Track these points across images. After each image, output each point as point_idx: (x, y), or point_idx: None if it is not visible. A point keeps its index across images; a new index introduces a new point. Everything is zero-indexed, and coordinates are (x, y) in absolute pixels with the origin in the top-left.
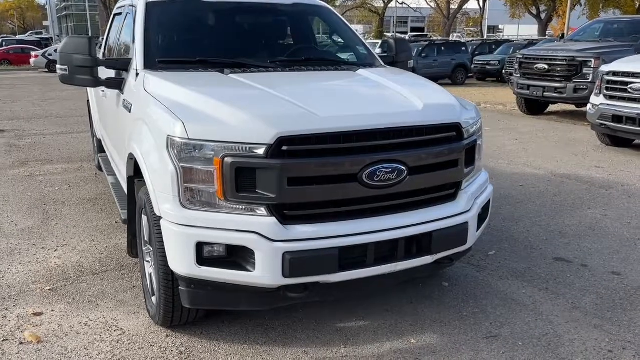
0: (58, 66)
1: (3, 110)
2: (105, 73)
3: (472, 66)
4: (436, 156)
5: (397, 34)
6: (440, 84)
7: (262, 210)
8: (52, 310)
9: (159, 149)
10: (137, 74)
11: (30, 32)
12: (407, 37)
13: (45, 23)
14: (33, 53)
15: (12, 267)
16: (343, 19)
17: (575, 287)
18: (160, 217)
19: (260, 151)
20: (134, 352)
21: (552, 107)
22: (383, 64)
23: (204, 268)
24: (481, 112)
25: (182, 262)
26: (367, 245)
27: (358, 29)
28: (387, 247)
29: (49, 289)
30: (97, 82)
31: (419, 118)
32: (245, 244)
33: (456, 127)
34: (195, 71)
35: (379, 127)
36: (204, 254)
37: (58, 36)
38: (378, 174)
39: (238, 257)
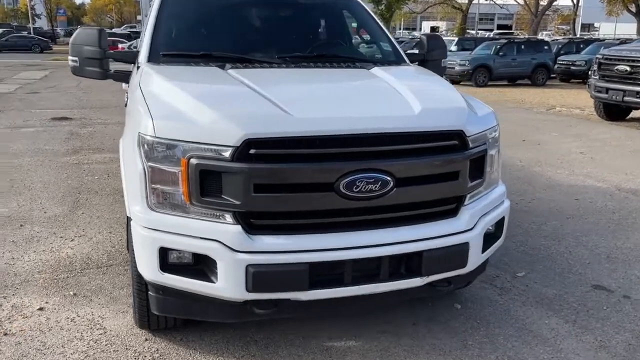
0: (69, 57)
1: (80, 99)
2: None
3: (555, 66)
4: (431, 167)
5: (479, 32)
6: (518, 85)
7: (228, 218)
8: (46, 303)
9: (133, 146)
10: (138, 67)
11: (126, 25)
12: (490, 35)
13: (138, 17)
14: (120, 45)
15: (26, 255)
16: (372, 13)
17: (609, 322)
18: (130, 219)
19: (227, 153)
20: (107, 355)
21: (635, 113)
22: (408, 62)
23: (166, 275)
24: (554, 116)
25: (147, 267)
26: (344, 262)
27: (440, 25)
28: (369, 266)
29: (51, 280)
30: (105, 75)
31: (413, 123)
32: (208, 253)
33: (458, 135)
34: (196, 65)
35: (362, 132)
36: (169, 260)
37: None
38: (357, 184)
39: (204, 266)
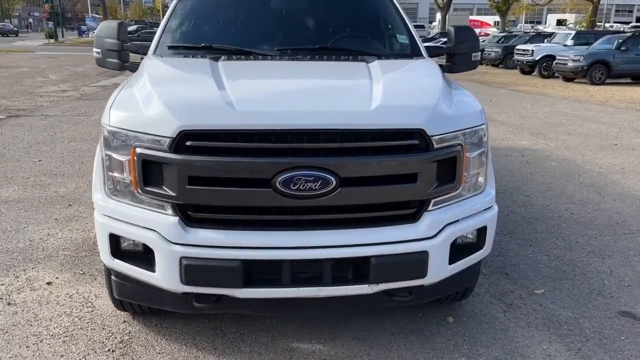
0: (94, 49)
1: None
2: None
3: None
4: (382, 167)
5: (613, 25)
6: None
7: (168, 209)
8: (56, 278)
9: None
10: (143, 59)
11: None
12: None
13: None
14: None
15: (60, 233)
16: (395, 3)
17: (620, 356)
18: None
19: (165, 144)
20: (83, 332)
21: None
22: (426, 56)
23: (116, 261)
24: None
25: (102, 252)
26: (281, 262)
27: (568, 18)
28: (309, 268)
29: (70, 258)
30: (122, 66)
31: (364, 120)
32: (147, 243)
33: (419, 134)
34: (192, 57)
35: (302, 128)
36: (121, 247)
37: None
38: (296, 181)
39: (151, 255)
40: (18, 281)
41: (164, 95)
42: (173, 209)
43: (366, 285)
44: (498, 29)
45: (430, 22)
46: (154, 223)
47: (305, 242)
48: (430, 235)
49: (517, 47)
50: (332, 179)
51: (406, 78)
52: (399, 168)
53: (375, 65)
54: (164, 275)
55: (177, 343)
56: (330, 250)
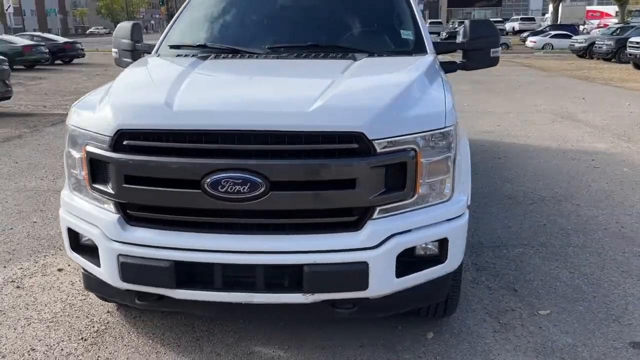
0: (112, 49)
1: None
2: None
3: None
4: (316, 172)
5: None
6: None
7: (111, 207)
8: (68, 265)
9: None
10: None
11: None
12: None
13: None
14: None
15: None
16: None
17: None
18: None
19: (106, 143)
20: (68, 319)
21: None
22: (430, 52)
23: (74, 254)
24: None
25: (65, 245)
26: (212, 266)
27: None
28: (242, 273)
29: None
30: None
31: (299, 121)
32: (92, 238)
33: (358, 138)
34: (186, 57)
35: (232, 129)
36: (80, 241)
37: None
38: (223, 184)
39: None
40: (35, 266)
41: (114, 96)
42: (115, 206)
43: (301, 295)
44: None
45: (543, 14)
46: (98, 220)
47: (237, 247)
48: (371, 245)
49: (630, 39)
50: (261, 182)
51: (375, 77)
52: (334, 173)
53: (360, 63)
54: (106, 271)
55: (145, 337)
56: (263, 256)
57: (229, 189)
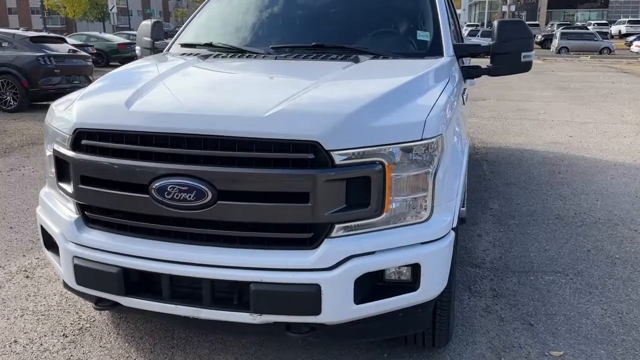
0: (136, 47)
1: None
2: None
3: None
4: (265, 182)
5: None
6: None
7: (72, 207)
8: None
9: None
10: None
11: None
12: None
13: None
14: None
15: None
16: None
17: None
18: None
19: (67, 142)
20: (58, 314)
21: None
22: (447, 55)
23: (47, 252)
24: None
25: (41, 242)
26: (159, 275)
27: None
28: (188, 285)
29: None
30: None
31: (251, 128)
32: (54, 237)
33: (314, 147)
34: (188, 55)
35: (182, 132)
36: (52, 239)
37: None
38: (169, 190)
39: None
40: (29, 261)
41: (84, 93)
42: (75, 207)
43: (248, 314)
44: None
45: None
46: (60, 219)
47: (185, 258)
48: (324, 267)
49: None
50: (207, 191)
51: (360, 81)
52: (284, 185)
53: (358, 66)
54: (65, 272)
55: (123, 340)
56: (210, 270)
57: (175, 196)
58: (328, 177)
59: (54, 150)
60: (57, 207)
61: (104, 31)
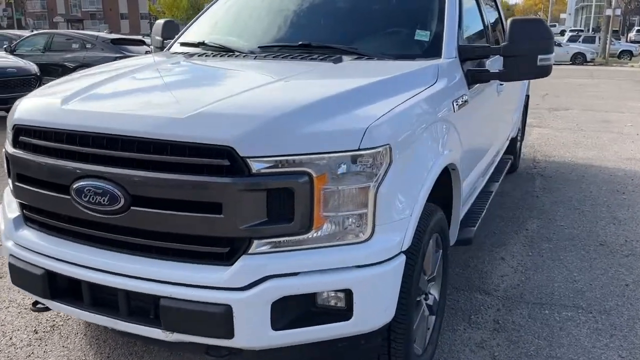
0: (150, 46)
1: None
2: None
3: None
4: (177, 189)
5: None
6: None
7: (15, 204)
8: None
9: None
10: None
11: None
12: None
13: (562, 15)
14: None
15: None
16: None
17: None
18: None
19: (9, 138)
20: (23, 317)
21: None
22: (446, 57)
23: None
24: None
25: None
26: (79, 281)
27: None
28: (106, 294)
29: None
30: None
31: (166, 130)
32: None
33: (228, 154)
34: (173, 55)
35: (102, 132)
36: None
37: (572, 30)
38: (86, 192)
39: None
40: None
41: (35, 91)
42: (17, 205)
43: (160, 331)
44: None
45: None
46: (3, 217)
47: (102, 265)
48: (237, 286)
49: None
50: (120, 195)
51: (313, 82)
52: (197, 193)
53: (332, 67)
54: (8, 271)
55: (86, 342)
56: (124, 280)
57: (90, 199)
58: (243, 187)
59: (4, 150)
60: (9, 205)
61: None
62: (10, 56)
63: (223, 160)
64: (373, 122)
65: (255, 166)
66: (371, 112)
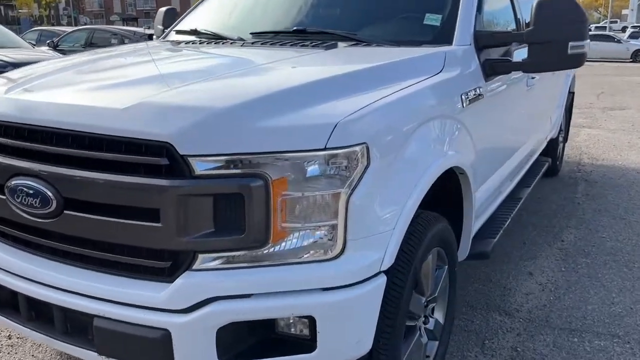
0: (154, 36)
1: None
2: None
3: None
4: (109, 191)
5: None
6: None
7: None
8: None
9: None
10: None
11: (605, 21)
12: None
13: (624, 11)
14: None
15: None
16: None
17: None
18: None
19: None
20: None
21: None
22: (458, 43)
23: None
24: None
25: None
26: (15, 293)
27: None
28: (42, 309)
29: None
30: None
31: (102, 122)
32: None
33: (167, 151)
34: (163, 43)
35: (36, 125)
36: None
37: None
38: (19, 192)
39: None
40: None
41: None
42: None
43: (95, 354)
44: None
45: None
46: None
47: (37, 276)
48: (177, 308)
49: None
50: (52, 197)
51: (285, 72)
52: (131, 197)
53: (321, 54)
54: None
55: (55, 353)
56: (57, 294)
57: (23, 200)
58: (183, 191)
59: None
60: None
61: None
62: (51, 51)
63: (161, 158)
64: (346, 117)
65: (199, 166)
66: (348, 105)
